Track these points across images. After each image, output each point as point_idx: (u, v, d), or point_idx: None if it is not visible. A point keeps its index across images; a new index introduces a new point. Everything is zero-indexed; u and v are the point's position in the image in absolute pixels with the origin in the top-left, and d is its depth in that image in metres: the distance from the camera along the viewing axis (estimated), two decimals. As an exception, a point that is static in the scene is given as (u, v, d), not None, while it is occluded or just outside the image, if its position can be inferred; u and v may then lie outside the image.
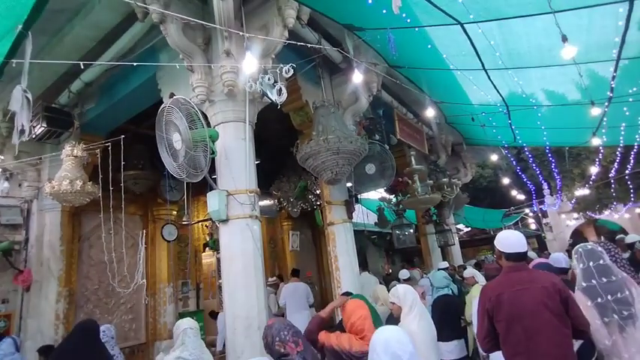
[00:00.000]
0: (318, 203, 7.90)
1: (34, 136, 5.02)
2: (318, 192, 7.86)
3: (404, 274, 5.76)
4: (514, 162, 9.80)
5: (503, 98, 5.73)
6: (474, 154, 10.42)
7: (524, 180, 11.92)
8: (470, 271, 4.93)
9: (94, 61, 4.40)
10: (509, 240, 2.32)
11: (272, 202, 8.54)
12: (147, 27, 4.10)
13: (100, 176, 4.63)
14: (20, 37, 2.30)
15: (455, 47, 4.27)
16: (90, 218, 6.28)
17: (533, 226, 18.78)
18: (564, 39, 2.87)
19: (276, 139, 7.11)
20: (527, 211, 16.79)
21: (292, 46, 4.19)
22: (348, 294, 3.71)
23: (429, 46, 3.96)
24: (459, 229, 14.33)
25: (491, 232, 18.00)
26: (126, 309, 6.74)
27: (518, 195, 13.13)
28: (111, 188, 4.64)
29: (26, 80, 2.41)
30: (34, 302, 5.56)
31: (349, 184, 5.75)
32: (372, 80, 5.24)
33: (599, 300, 2.24)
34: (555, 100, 5.78)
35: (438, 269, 5.46)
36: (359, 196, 6.66)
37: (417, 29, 3.64)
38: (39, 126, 4.94)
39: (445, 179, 7.90)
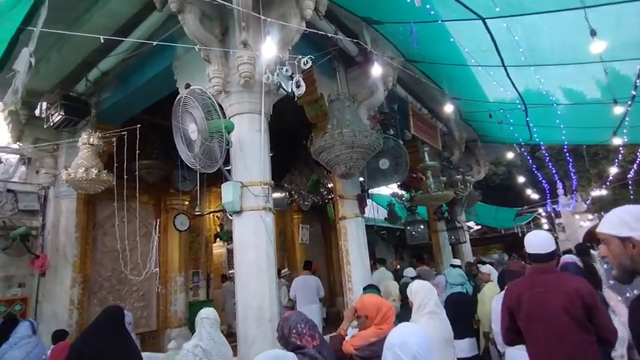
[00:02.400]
0: (330, 197, 7.88)
1: (52, 124, 5.08)
2: (330, 186, 7.84)
3: (410, 272, 5.67)
4: (530, 160, 9.64)
5: (520, 95, 5.62)
6: (488, 151, 10.27)
7: (539, 179, 11.71)
8: (488, 268, 4.87)
9: (112, 50, 4.42)
10: (531, 241, 2.37)
11: (283, 194, 8.55)
12: (164, 17, 4.10)
13: (115, 165, 4.67)
14: (37, 3, 2.27)
15: (475, 43, 4.19)
16: (104, 206, 6.37)
17: (545, 226, 18.51)
18: (593, 33, 2.78)
19: (289, 131, 7.10)
20: (540, 210, 16.53)
21: (308, 39, 4.15)
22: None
23: (451, 40, 3.88)
24: (469, 227, 14.19)
25: (502, 231, 17.80)
26: (138, 296, 6.85)
27: (532, 194, 12.93)
28: (125, 177, 4.69)
29: (34, 45, 2.39)
30: (49, 287, 5.67)
31: (361, 179, 5.72)
32: (388, 74, 5.17)
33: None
34: (573, 98, 5.66)
35: (452, 266, 5.40)
36: (369, 191, 6.63)
37: (440, 22, 3.56)
38: (57, 114, 5.00)
39: (459, 176, 7.80)
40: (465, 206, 9.34)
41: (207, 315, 2.63)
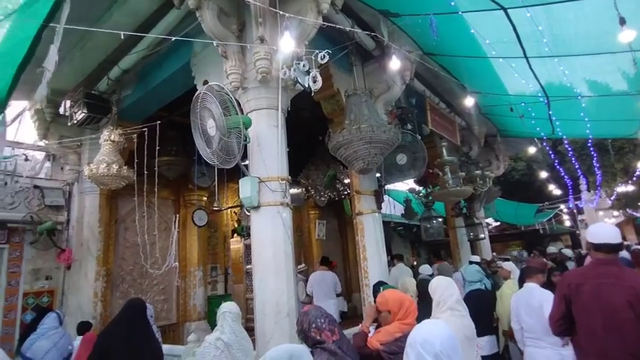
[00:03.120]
0: (346, 192, 7.86)
1: (75, 122, 5.22)
2: (346, 181, 7.82)
3: (426, 269, 5.62)
4: (552, 155, 9.40)
5: (543, 88, 5.47)
6: (507, 146, 10.06)
7: (562, 174, 11.41)
8: (509, 265, 4.79)
9: (132, 48, 4.50)
10: (599, 231, 2.34)
11: (299, 190, 8.57)
12: (182, 14, 4.14)
13: (136, 161, 4.76)
14: (59, 1, 2.33)
15: (496, 34, 4.09)
16: (125, 202, 6.51)
17: (567, 223, 18.04)
18: (622, 22, 2.67)
19: (305, 127, 7.10)
20: (562, 206, 16.10)
21: (325, 34, 4.13)
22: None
23: (472, 31, 3.79)
24: (487, 224, 13.95)
25: (522, 228, 17.43)
26: (158, 290, 7.00)
27: (554, 190, 12.59)
28: (145, 173, 4.78)
29: (59, 41, 2.46)
30: (74, 280, 5.85)
31: (378, 175, 5.68)
32: (405, 68, 5.10)
33: None
34: (598, 90, 5.47)
35: (470, 263, 5.33)
36: (386, 187, 6.59)
37: (460, 13, 3.48)
38: (80, 112, 5.13)
39: (478, 171, 7.66)
40: (483, 202, 9.17)
41: (229, 309, 2.67)
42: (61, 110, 5.81)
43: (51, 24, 2.63)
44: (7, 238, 5.64)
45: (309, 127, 7.07)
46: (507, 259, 6.25)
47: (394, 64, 3.95)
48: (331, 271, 6.67)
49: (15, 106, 6.37)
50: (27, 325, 5.20)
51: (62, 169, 6.26)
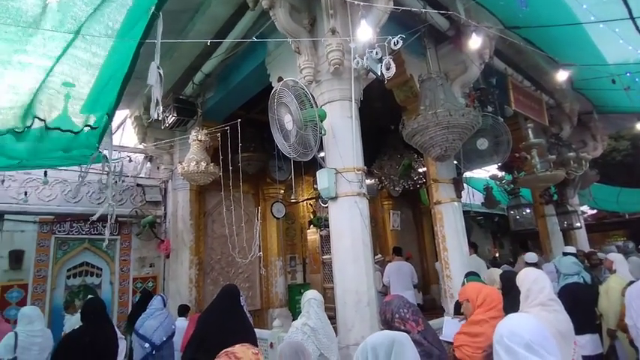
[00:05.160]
0: (422, 182, 7.63)
1: (167, 125, 5.79)
2: (422, 170, 7.59)
3: (531, 257, 5.27)
4: (665, 130, 8.08)
5: (655, 53, 4.72)
6: (606, 123, 8.87)
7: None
8: (617, 257, 4.27)
9: (213, 53, 4.83)
10: None
11: (373, 180, 8.52)
12: (256, 15, 4.35)
13: (221, 158, 5.13)
14: (153, 19, 2.54)
15: (592, -5, 3.63)
16: (212, 196, 7.09)
17: (687, 210, 15.40)
18: None
19: (376, 116, 7.02)
20: (679, 190, 13.80)
21: (395, 18, 4.02)
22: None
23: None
24: (582, 212, 12.50)
25: (626, 216, 15.31)
26: (243, 278, 7.52)
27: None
28: (230, 168, 5.14)
29: (159, 58, 2.69)
30: (173, 267, 6.56)
31: (455, 162, 5.41)
32: (484, 46, 4.75)
33: None
34: None
35: (564, 254, 4.86)
36: (464, 174, 6.23)
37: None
38: (171, 116, 5.67)
39: (571, 154, 6.90)
40: (578, 188, 8.25)
41: (313, 296, 2.79)
42: (155, 115, 6.47)
43: (147, 40, 2.92)
44: (118, 230, 6.50)
45: (380, 117, 6.97)
46: (594, 253, 5.60)
47: (473, 42, 3.71)
48: (407, 262, 6.56)
49: (118, 114, 7.25)
50: (134, 305, 5.96)
51: (158, 168, 7.01)
